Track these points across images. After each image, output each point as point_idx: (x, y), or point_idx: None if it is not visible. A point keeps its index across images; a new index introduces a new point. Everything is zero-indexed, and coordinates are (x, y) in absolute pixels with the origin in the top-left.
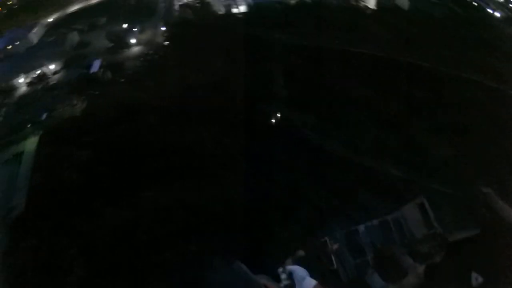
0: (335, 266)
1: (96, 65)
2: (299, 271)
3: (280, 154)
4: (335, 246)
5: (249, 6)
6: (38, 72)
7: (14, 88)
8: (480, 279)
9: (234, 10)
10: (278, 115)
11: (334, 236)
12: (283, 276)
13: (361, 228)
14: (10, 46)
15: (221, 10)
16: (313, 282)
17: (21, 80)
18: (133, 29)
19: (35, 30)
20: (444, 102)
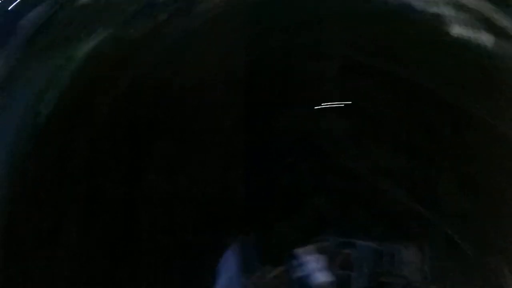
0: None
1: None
2: (312, 262)
3: (289, 158)
4: (322, 255)
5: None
6: None
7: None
8: None
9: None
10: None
11: (324, 246)
12: (295, 263)
13: (356, 244)
14: None
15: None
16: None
17: None
18: None
19: None
20: (473, 150)
